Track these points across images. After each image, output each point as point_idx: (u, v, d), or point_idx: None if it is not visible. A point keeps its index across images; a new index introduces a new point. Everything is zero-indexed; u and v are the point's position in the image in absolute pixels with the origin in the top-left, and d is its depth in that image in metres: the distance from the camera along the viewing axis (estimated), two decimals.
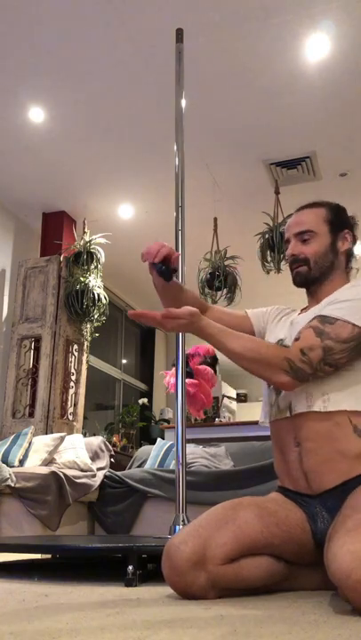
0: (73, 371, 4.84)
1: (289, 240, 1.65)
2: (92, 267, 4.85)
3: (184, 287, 1.66)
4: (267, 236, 4.42)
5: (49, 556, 2.58)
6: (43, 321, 4.75)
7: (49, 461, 3.69)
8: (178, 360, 2.13)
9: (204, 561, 1.27)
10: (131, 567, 1.60)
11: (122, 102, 3.91)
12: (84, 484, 3.53)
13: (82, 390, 4.87)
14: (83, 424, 4.95)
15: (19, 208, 5.15)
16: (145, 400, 6.82)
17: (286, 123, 4.10)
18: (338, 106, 3.91)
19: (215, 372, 4.02)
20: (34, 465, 3.57)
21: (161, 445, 3.99)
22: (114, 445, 5.21)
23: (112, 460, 4.08)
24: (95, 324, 4.94)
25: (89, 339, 4.96)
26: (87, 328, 4.94)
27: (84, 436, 4.41)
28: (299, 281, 1.64)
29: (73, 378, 4.82)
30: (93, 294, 4.76)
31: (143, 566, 1.68)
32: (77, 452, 3.79)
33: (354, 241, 1.64)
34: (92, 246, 4.87)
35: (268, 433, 1.64)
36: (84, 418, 5.08)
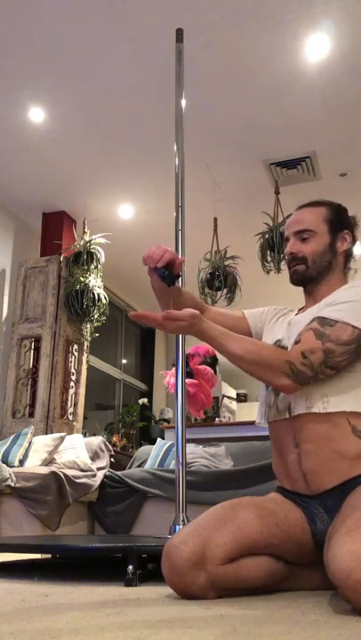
0: (73, 371, 4.84)
1: (288, 238, 1.65)
2: (92, 267, 4.85)
3: (182, 289, 1.65)
4: (267, 236, 4.42)
5: (49, 555, 2.58)
6: (43, 321, 4.75)
7: (49, 461, 3.69)
8: (178, 360, 2.13)
9: (204, 561, 1.27)
10: (131, 567, 1.60)
11: (122, 102, 3.91)
12: (84, 484, 3.53)
13: (82, 390, 4.87)
14: (83, 424, 4.95)
15: (19, 208, 5.15)
16: (145, 400, 6.82)
17: (286, 123, 4.10)
18: (338, 106, 3.91)
19: (215, 371, 4.03)
20: (34, 465, 3.57)
21: (161, 445, 3.99)
22: (114, 445, 5.21)
23: (112, 459, 4.08)
24: (95, 324, 4.94)
25: (89, 339, 4.97)
26: (87, 328, 4.94)
27: (84, 435, 4.41)
28: (296, 279, 1.63)
29: (73, 378, 4.82)
30: (93, 294, 4.76)
31: (143, 566, 1.68)
32: (77, 452, 3.79)
33: (353, 241, 1.64)
34: (92, 246, 4.87)
35: (268, 433, 1.64)
36: (84, 418, 5.08)
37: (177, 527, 1.94)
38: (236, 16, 3.23)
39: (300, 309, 1.69)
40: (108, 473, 3.78)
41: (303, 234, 1.61)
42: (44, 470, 3.37)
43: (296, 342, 1.48)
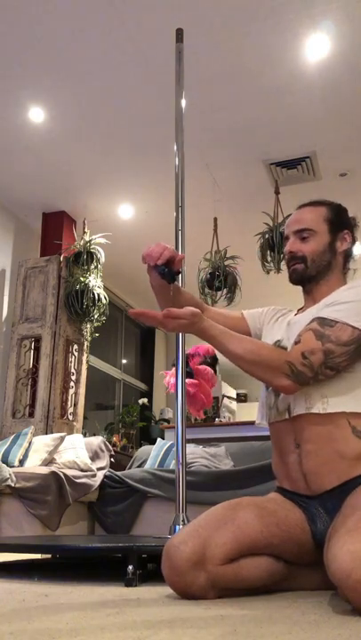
0: (73, 371, 4.84)
1: (288, 237, 1.65)
2: (92, 267, 4.85)
3: (181, 288, 1.65)
4: (267, 236, 4.42)
5: (49, 555, 2.58)
6: (43, 321, 4.75)
7: (49, 461, 3.69)
8: (178, 360, 2.13)
9: (204, 561, 1.27)
10: (131, 567, 1.60)
11: (122, 102, 3.91)
12: (84, 484, 3.53)
13: (82, 390, 4.87)
14: (83, 424, 4.95)
15: (19, 208, 5.15)
16: (145, 400, 6.82)
17: (286, 123, 4.10)
18: (338, 106, 3.91)
19: (215, 372, 4.02)
20: (34, 465, 3.57)
21: (161, 445, 3.99)
22: (114, 445, 5.21)
23: (112, 459, 4.08)
24: (95, 324, 4.94)
25: (89, 339, 4.97)
26: (87, 328, 4.94)
27: (84, 435, 4.41)
28: (295, 278, 1.64)
29: (73, 378, 4.82)
30: (93, 294, 4.76)
31: (143, 566, 1.68)
32: (77, 452, 3.79)
33: (353, 242, 1.64)
34: (92, 246, 4.87)
35: (268, 433, 1.64)
36: (84, 418, 5.08)
37: (177, 527, 1.94)
38: (236, 16, 3.23)
39: (299, 309, 1.69)
40: (108, 473, 3.78)
41: (303, 233, 1.61)
42: (44, 470, 3.37)
43: (296, 343, 1.47)
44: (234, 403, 7.01)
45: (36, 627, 0.98)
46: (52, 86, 3.77)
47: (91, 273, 4.82)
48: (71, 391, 4.78)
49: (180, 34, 2.52)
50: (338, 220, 1.63)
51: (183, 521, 1.96)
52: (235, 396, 7.35)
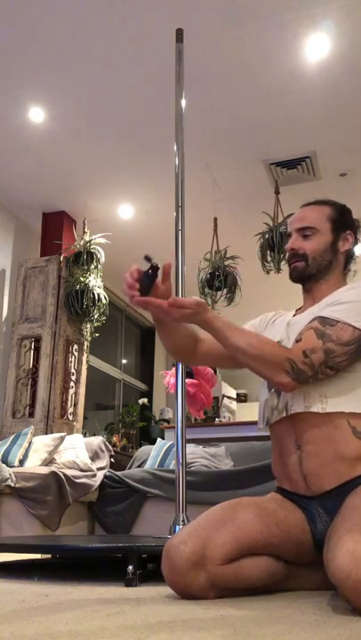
0: (73, 371, 4.84)
1: (290, 234, 1.65)
2: (92, 267, 4.85)
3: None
4: (267, 236, 4.42)
5: (49, 555, 2.58)
6: (43, 321, 4.75)
7: (49, 461, 3.69)
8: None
9: (204, 561, 1.27)
10: (131, 567, 1.60)
11: (122, 102, 3.91)
12: (84, 484, 3.53)
13: (82, 390, 4.87)
14: (83, 424, 4.95)
15: (19, 208, 5.15)
16: (145, 400, 6.82)
17: (286, 123, 4.10)
18: (338, 106, 3.91)
19: (215, 371, 4.02)
20: (34, 465, 3.57)
21: (161, 445, 3.99)
22: (114, 445, 5.21)
23: (112, 459, 4.08)
24: (95, 324, 4.94)
25: (89, 339, 4.96)
26: (87, 328, 4.94)
27: (84, 436, 4.41)
28: (295, 276, 1.64)
29: (73, 378, 4.82)
30: (93, 294, 4.76)
31: (143, 566, 1.68)
32: (77, 452, 3.79)
33: (355, 243, 1.64)
34: (92, 246, 4.87)
35: (268, 433, 1.64)
36: (84, 418, 5.08)
37: (177, 527, 1.94)
38: (236, 16, 3.23)
39: (297, 310, 1.69)
40: (108, 473, 3.78)
41: (305, 231, 1.61)
42: (44, 470, 3.37)
43: (297, 341, 1.47)
44: (234, 403, 7.01)
45: (36, 627, 0.98)
46: (52, 86, 3.77)
47: (91, 273, 4.82)
48: (71, 391, 4.78)
49: (180, 34, 2.52)
50: (341, 219, 1.63)
51: (183, 521, 1.96)
52: (235, 396, 7.35)
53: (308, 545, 1.42)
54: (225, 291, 4.68)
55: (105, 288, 4.98)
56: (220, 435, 3.97)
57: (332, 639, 0.87)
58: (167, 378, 4.02)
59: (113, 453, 4.17)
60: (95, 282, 4.82)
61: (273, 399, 1.57)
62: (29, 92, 3.82)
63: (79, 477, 3.52)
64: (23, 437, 3.77)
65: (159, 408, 7.28)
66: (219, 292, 4.69)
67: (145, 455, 4.05)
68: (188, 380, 3.60)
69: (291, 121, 4.07)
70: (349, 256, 1.65)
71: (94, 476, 3.67)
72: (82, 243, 4.90)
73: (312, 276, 1.62)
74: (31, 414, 4.56)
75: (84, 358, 4.95)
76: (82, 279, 4.75)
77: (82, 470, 3.66)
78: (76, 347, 4.90)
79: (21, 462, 3.61)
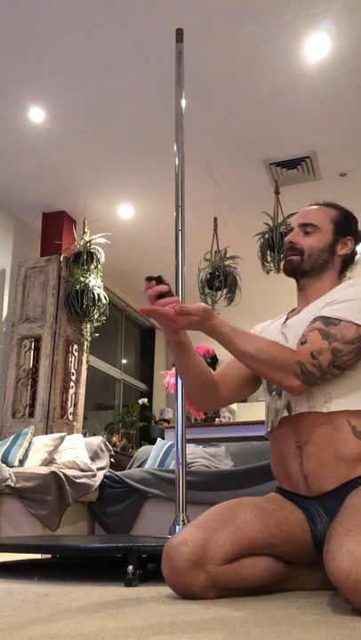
0: (73, 371, 4.84)
1: (293, 228, 1.66)
2: (92, 267, 4.85)
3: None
4: (267, 236, 4.42)
5: (49, 555, 2.58)
6: (43, 321, 4.75)
7: (49, 461, 3.69)
8: None
9: (204, 561, 1.27)
10: (131, 567, 1.60)
11: (122, 102, 3.91)
12: (84, 484, 3.53)
13: (82, 390, 4.87)
14: (83, 424, 4.95)
15: (19, 208, 5.15)
16: (145, 400, 6.82)
17: (286, 123, 4.10)
18: (338, 106, 3.91)
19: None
20: (34, 465, 3.57)
21: (161, 445, 3.99)
22: (114, 445, 5.21)
23: (112, 459, 4.07)
24: (95, 324, 4.94)
25: (89, 339, 4.97)
26: (87, 328, 4.94)
27: (84, 436, 4.41)
28: (288, 269, 1.64)
29: (73, 378, 4.82)
30: (93, 294, 4.76)
31: (143, 566, 1.68)
32: (77, 452, 3.79)
33: (354, 250, 1.65)
34: (92, 246, 4.87)
35: None
36: (84, 418, 5.08)
37: (177, 527, 1.94)
38: (236, 16, 3.23)
39: (290, 312, 1.69)
40: (108, 473, 3.78)
41: (307, 227, 1.62)
42: (44, 470, 3.37)
43: (302, 343, 1.46)
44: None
45: (36, 627, 0.98)
46: (52, 86, 3.77)
47: (91, 273, 4.82)
48: (71, 391, 4.78)
49: (180, 34, 2.52)
50: (345, 224, 1.65)
51: (183, 521, 1.96)
52: None
53: (309, 545, 1.42)
54: (225, 291, 4.68)
55: (105, 288, 4.98)
56: (220, 435, 3.97)
57: (332, 639, 0.87)
58: (167, 378, 4.02)
59: (113, 453, 4.17)
60: (95, 282, 4.82)
61: (275, 402, 1.56)
62: (29, 92, 3.82)
63: (79, 477, 3.52)
64: (23, 437, 3.77)
65: (159, 408, 7.28)
66: (219, 292, 4.69)
67: (145, 455, 4.05)
68: None
69: (291, 121, 4.07)
70: (346, 261, 1.66)
71: (94, 476, 3.67)
72: (82, 243, 4.90)
73: (305, 272, 1.62)
74: (31, 414, 4.56)
75: (84, 358, 4.95)
76: (82, 279, 4.75)
77: (82, 470, 3.66)
78: (76, 347, 4.90)
79: (21, 462, 3.61)
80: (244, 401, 7.83)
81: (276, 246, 4.34)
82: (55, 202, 5.10)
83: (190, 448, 3.72)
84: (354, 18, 3.25)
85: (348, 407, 1.43)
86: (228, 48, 3.45)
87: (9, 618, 1.07)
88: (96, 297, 4.78)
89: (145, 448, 4.30)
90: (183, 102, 2.43)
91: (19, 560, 2.52)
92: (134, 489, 3.54)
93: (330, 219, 1.63)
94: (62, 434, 3.90)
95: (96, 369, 6.12)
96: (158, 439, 4.25)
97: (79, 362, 4.90)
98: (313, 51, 3.46)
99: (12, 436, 3.86)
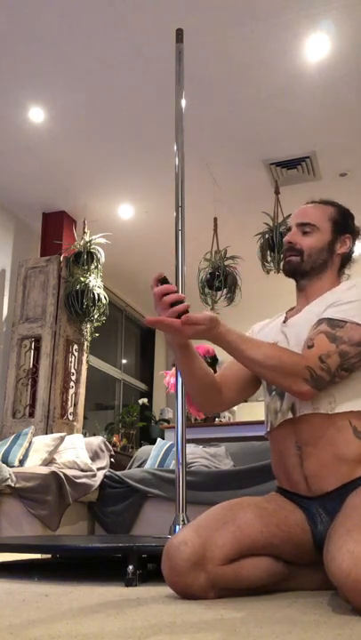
0: (73, 371, 4.84)
1: (291, 228, 1.66)
2: (92, 267, 4.85)
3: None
4: (267, 236, 4.42)
5: (49, 555, 2.58)
6: (43, 321, 4.75)
7: (49, 461, 3.69)
8: None
9: (204, 561, 1.27)
10: (131, 567, 1.60)
11: (122, 102, 3.91)
12: (84, 484, 3.53)
13: (82, 390, 4.87)
14: (83, 424, 4.95)
15: (19, 208, 5.15)
16: (145, 400, 6.82)
17: (286, 123, 4.10)
18: (338, 106, 3.91)
19: (215, 372, 4.02)
20: (34, 465, 3.57)
21: (161, 445, 3.99)
22: (114, 445, 5.21)
23: (112, 459, 4.07)
24: (95, 324, 4.94)
25: (89, 339, 4.97)
26: (87, 328, 4.94)
27: (84, 435, 4.41)
28: (288, 270, 1.64)
29: (73, 378, 4.82)
30: (93, 294, 4.76)
31: (143, 566, 1.68)
32: (77, 452, 3.79)
33: (352, 248, 1.65)
34: (92, 246, 4.87)
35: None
36: (84, 418, 5.08)
37: (177, 527, 1.94)
38: (236, 16, 3.23)
39: (288, 311, 1.69)
40: (108, 473, 3.78)
41: (305, 227, 1.62)
42: (44, 470, 3.37)
43: (309, 347, 1.44)
44: None
45: (36, 627, 0.98)
46: (52, 86, 3.77)
47: (91, 273, 4.82)
48: (71, 391, 4.78)
49: (180, 34, 2.52)
50: (343, 222, 1.64)
51: (183, 521, 1.96)
52: None
53: (309, 545, 1.42)
54: (225, 291, 4.68)
55: (105, 288, 4.98)
56: (220, 435, 3.97)
57: (332, 639, 0.87)
58: (167, 378, 4.01)
59: (113, 453, 4.17)
60: (95, 282, 4.82)
61: (275, 402, 1.56)
62: (29, 92, 3.82)
63: (79, 477, 3.52)
64: (23, 437, 3.77)
65: (159, 408, 7.28)
66: (219, 292, 4.69)
67: (145, 455, 4.05)
68: None
69: (291, 121, 4.07)
70: (345, 259, 1.65)
71: (94, 475, 3.67)
72: (82, 243, 4.90)
73: (305, 273, 1.62)
74: (31, 414, 4.56)
75: (84, 358, 4.95)
76: (82, 279, 4.75)
77: (82, 470, 3.66)
78: (76, 347, 4.90)
79: (21, 462, 3.61)
80: (245, 401, 7.83)
81: (276, 246, 4.34)
82: (55, 202, 5.10)
83: (190, 448, 3.72)
84: (354, 18, 3.25)
85: (354, 408, 1.42)
86: (228, 48, 3.45)
87: (9, 618, 1.07)
88: (96, 297, 4.78)
89: (145, 448, 4.30)
90: (183, 102, 2.43)
91: (19, 560, 2.52)
92: (134, 489, 3.54)
93: (328, 217, 1.63)
94: (62, 434, 3.90)
95: (96, 369, 6.12)
96: (158, 439, 4.25)
97: (79, 362, 4.90)
98: (313, 51, 3.46)
99: (13, 436, 3.86)
